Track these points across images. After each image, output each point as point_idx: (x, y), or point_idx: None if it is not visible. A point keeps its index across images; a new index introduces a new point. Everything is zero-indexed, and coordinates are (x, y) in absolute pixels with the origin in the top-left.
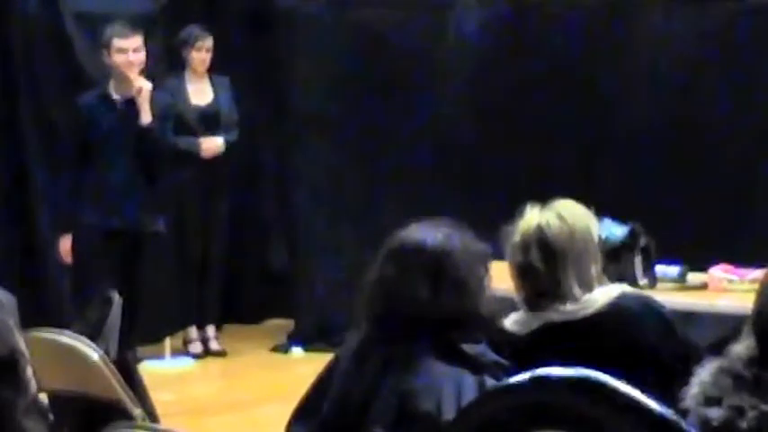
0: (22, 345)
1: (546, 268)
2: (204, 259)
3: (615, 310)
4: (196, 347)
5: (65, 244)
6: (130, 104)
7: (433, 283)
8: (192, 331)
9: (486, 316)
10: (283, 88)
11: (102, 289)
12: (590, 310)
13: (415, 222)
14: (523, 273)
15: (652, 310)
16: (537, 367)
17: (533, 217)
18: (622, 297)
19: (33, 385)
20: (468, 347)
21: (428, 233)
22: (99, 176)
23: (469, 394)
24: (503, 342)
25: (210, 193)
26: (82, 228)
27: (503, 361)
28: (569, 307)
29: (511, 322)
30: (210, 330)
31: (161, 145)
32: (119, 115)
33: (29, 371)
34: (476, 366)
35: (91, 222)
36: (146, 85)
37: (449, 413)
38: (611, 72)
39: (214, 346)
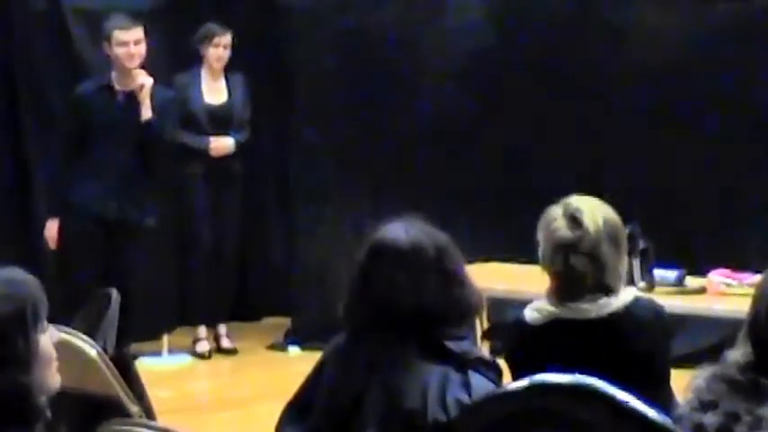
0: (34, 372)
1: (586, 270)
2: (217, 258)
3: (626, 317)
4: (203, 346)
5: (51, 228)
6: (131, 97)
7: (439, 280)
8: (202, 330)
9: (476, 303)
10: (287, 86)
11: (90, 283)
12: (602, 313)
13: (387, 223)
14: (564, 273)
15: (663, 320)
16: (544, 360)
17: (567, 220)
18: (635, 303)
19: (46, 411)
20: (453, 344)
21: (414, 231)
22: (94, 166)
23: (455, 391)
24: (516, 329)
25: (220, 191)
26: (71, 217)
27: (487, 357)
28: (586, 306)
29: (530, 310)
30: (222, 328)
31: (161, 141)
32: (119, 107)
33: (40, 403)
34: (461, 363)
35: (81, 212)
36: (147, 81)
37: (434, 410)
38: (611, 72)
39: (225, 343)
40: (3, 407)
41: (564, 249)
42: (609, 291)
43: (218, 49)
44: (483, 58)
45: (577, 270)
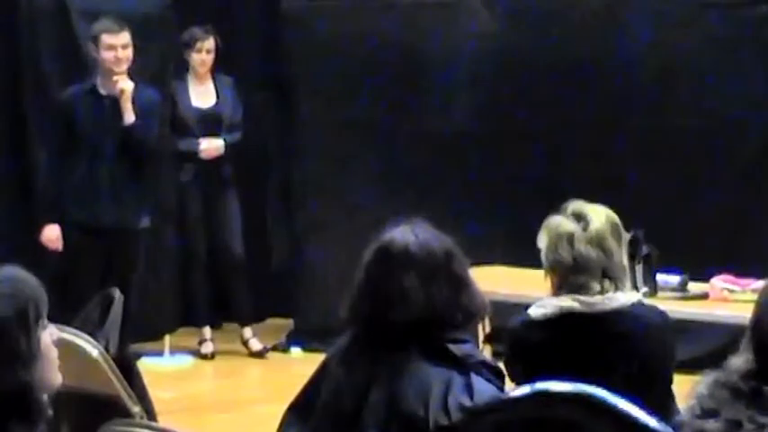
0: (36, 370)
1: (592, 255)
2: (227, 260)
3: (632, 315)
4: (208, 347)
5: (47, 233)
6: (116, 101)
7: (447, 283)
8: (207, 331)
9: (481, 307)
10: (291, 88)
11: (86, 286)
12: (609, 306)
13: (396, 226)
14: (571, 262)
15: (667, 325)
16: (550, 356)
17: (569, 217)
18: (640, 305)
19: (48, 410)
20: (456, 348)
21: (423, 234)
22: (84, 171)
23: (457, 394)
24: (521, 327)
25: (213, 194)
26: (67, 223)
27: (490, 361)
28: (592, 299)
29: (535, 307)
30: (248, 331)
31: (146, 144)
32: (104, 110)
33: (42, 401)
34: (464, 366)
35: (75, 218)
36: (127, 86)
37: (436, 413)
38: (613, 80)
39: (254, 346)
40: (6, 404)
41: (570, 238)
42: (615, 281)
43: (201, 54)
44: (488, 62)
45: (584, 256)
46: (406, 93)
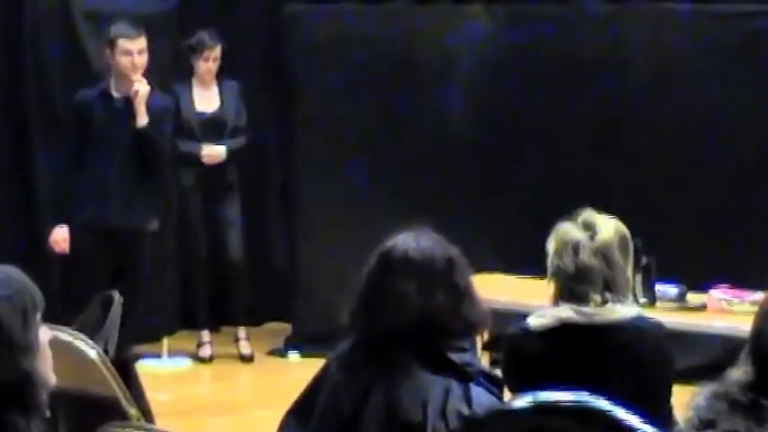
0: (35, 361)
1: (596, 266)
2: (227, 263)
3: (632, 327)
4: (206, 350)
5: (56, 234)
6: (129, 103)
7: (448, 292)
8: (205, 334)
9: (481, 319)
10: (291, 91)
11: (94, 288)
12: (609, 318)
13: (401, 232)
14: (574, 270)
15: (666, 338)
16: (548, 366)
17: (578, 225)
18: (641, 318)
19: (45, 408)
20: (456, 356)
21: (425, 242)
22: (94, 173)
23: (456, 402)
24: (520, 336)
25: (215, 199)
26: (76, 225)
27: (489, 370)
28: (593, 310)
29: (535, 317)
30: (242, 332)
31: (157, 147)
32: (118, 113)
33: (41, 393)
34: (462, 375)
35: (85, 220)
36: (142, 88)
37: (434, 421)
38: (614, 89)
39: (243, 349)
40: (7, 393)
41: (575, 246)
42: (618, 292)
43: (208, 62)
44: (487, 66)
45: (587, 265)
46: (405, 96)
